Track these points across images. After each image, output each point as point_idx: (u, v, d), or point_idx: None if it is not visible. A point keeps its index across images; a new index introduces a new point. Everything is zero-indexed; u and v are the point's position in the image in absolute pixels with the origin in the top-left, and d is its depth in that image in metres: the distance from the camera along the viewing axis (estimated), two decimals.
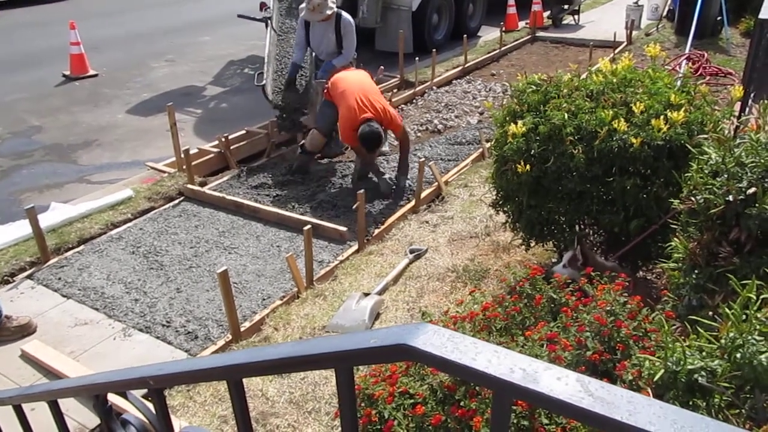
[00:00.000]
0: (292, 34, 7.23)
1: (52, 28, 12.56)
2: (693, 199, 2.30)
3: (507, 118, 3.66)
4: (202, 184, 6.07)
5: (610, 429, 0.61)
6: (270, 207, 5.56)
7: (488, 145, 6.06)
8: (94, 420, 3.25)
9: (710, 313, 2.00)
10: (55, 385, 1.70)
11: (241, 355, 1.02)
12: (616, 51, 9.79)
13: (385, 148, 6.78)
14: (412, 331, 0.74)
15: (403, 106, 8.39)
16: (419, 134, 7.49)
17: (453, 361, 0.69)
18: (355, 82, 5.70)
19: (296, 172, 6.19)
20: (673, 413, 0.59)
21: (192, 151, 6.07)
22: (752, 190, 2.09)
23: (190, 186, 5.88)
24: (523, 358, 0.67)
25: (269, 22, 7.23)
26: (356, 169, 6.07)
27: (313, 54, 6.72)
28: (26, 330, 4.02)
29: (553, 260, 4.13)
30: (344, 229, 5.06)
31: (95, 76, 10.01)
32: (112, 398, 1.52)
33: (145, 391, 1.93)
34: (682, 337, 1.81)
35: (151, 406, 1.34)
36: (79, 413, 3.33)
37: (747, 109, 4.42)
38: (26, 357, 3.83)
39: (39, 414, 2.65)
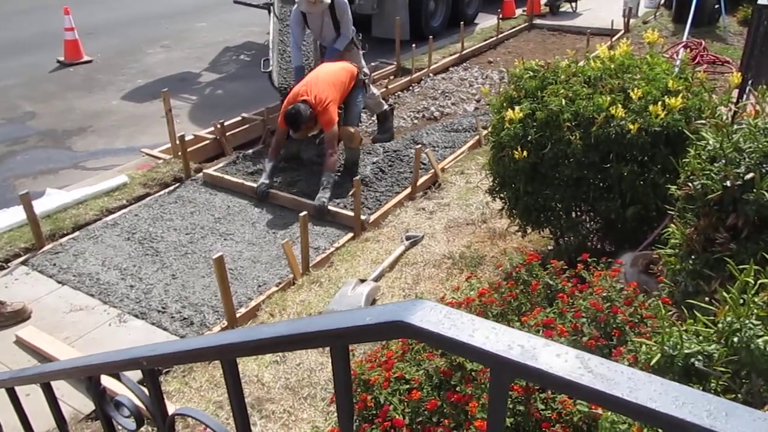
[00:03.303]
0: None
1: (46, 13, 12.46)
2: (690, 184, 2.29)
3: (504, 104, 3.64)
4: (198, 171, 6.05)
5: (610, 406, 0.60)
6: (287, 194, 5.55)
7: (485, 132, 6.04)
8: (89, 405, 3.24)
9: (707, 298, 1.99)
10: (48, 367, 1.68)
11: (235, 335, 1.01)
12: (614, 39, 9.76)
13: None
14: (408, 307, 0.73)
15: (399, 93, 8.37)
16: (416, 121, 7.48)
17: (450, 338, 0.68)
18: (316, 72, 5.82)
19: (288, 159, 6.18)
20: (674, 390, 0.58)
21: (187, 138, 6.05)
22: (750, 175, 2.07)
23: (208, 171, 5.93)
24: (521, 334, 0.66)
25: (271, 8, 7.20)
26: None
27: (318, 42, 6.70)
28: (21, 316, 4.01)
29: (549, 247, 4.13)
30: (364, 217, 5.05)
31: (90, 62, 9.94)
32: (107, 382, 1.51)
33: (141, 377, 1.92)
34: (679, 322, 1.80)
35: (145, 389, 1.33)
36: (73, 398, 3.32)
37: (745, 95, 4.41)
38: (21, 343, 3.82)
39: (34, 400, 2.64)
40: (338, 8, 6.35)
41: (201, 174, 5.98)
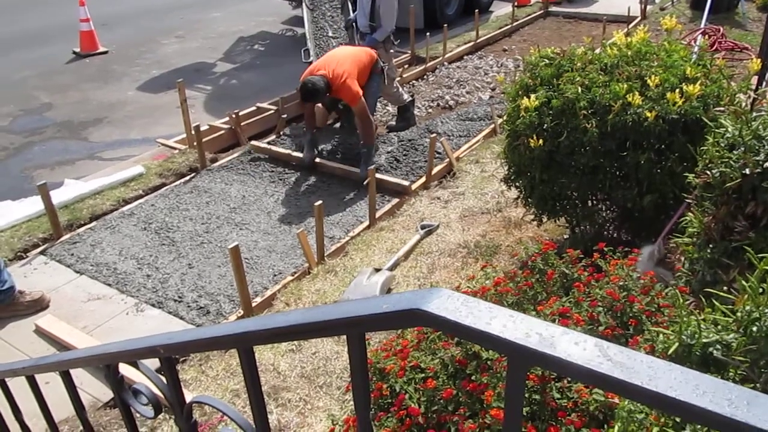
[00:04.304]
0: (322, 11, 7.21)
1: (62, 4, 12.52)
2: (708, 172, 2.26)
3: (520, 92, 3.62)
4: (213, 161, 6.08)
5: (629, 394, 0.59)
6: (335, 163, 5.86)
7: (500, 120, 6.01)
8: (107, 393, 3.28)
9: (725, 287, 1.97)
10: (67, 355, 1.70)
11: (252, 323, 1.01)
12: (630, 26, 9.66)
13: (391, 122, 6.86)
14: (425, 295, 0.73)
15: (414, 82, 8.34)
16: (430, 110, 7.45)
17: (467, 326, 0.67)
18: (336, 51, 5.90)
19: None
20: (694, 378, 0.57)
21: (202, 128, 6.06)
22: None
23: (255, 143, 6.27)
24: (539, 322, 0.66)
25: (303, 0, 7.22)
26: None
27: (357, 32, 6.71)
28: (39, 305, 4.05)
29: (565, 236, 4.10)
30: (407, 183, 5.15)
31: (105, 52, 9.99)
32: (125, 370, 1.52)
33: (158, 365, 1.93)
34: (697, 311, 1.79)
35: (162, 377, 1.34)
36: (92, 386, 3.36)
37: (764, 82, 4.35)
38: (40, 332, 3.86)
39: (53, 388, 2.68)
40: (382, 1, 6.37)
41: (248, 146, 6.28)
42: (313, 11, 7.10)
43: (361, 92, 5.57)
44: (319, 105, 5.96)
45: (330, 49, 6.87)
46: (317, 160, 5.83)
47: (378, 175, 5.33)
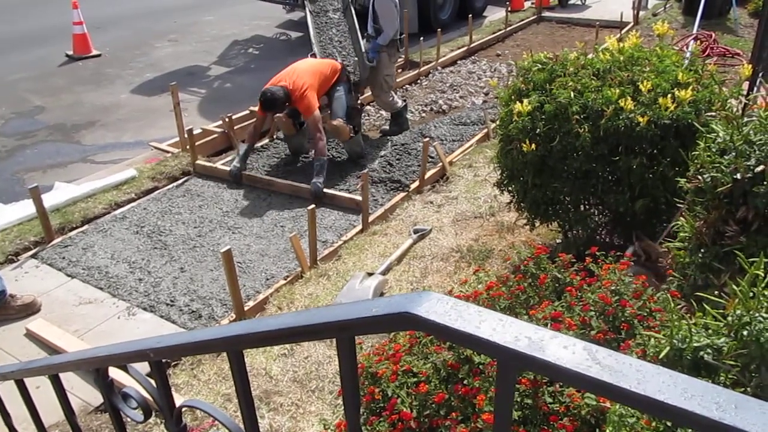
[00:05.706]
0: (330, 35, 7.16)
1: (55, 7, 12.48)
2: (700, 177, 2.27)
3: (512, 97, 3.62)
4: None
5: (618, 398, 0.59)
6: (284, 180, 5.66)
7: (493, 125, 6.03)
8: (98, 397, 3.26)
9: (716, 292, 1.97)
10: (56, 359, 1.69)
11: (241, 326, 1.01)
12: (623, 31, 9.69)
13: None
14: (414, 299, 0.73)
15: (407, 86, 8.35)
16: (423, 114, 7.46)
17: (456, 329, 0.67)
18: (298, 63, 5.92)
19: (296, 153, 6.20)
20: (683, 382, 0.57)
21: (196, 131, 6.06)
22: (760, 168, 2.05)
23: (200, 162, 5.97)
24: (528, 326, 0.66)
25: (305, 3, 7.15)
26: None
27: (365, 36, 6.72)
28: (30, 309, 4.03)
29: (558, 241, 4.11)
30: (360, 198, 5.11)
31: (98, 55, 9.97)
32: (116, 374, 1.51)
33: (149, 369, 1.92)
34: (688, 315, 1.79)
35: (152, 380, 1.33)
36: (83, 390, 3.34)
37: (755, 87, 4.37)
38: (31, 335, 3.84)
39: (43, 392, 2.66)
40: (378, 4, 6.35)
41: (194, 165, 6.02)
42: (321, 35, 7.00)
43: (316, 105, 5.60)
44: (281, 116, 5.88)
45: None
46: (271, 178, 5.71)
47: (333, 192, 5.38)
